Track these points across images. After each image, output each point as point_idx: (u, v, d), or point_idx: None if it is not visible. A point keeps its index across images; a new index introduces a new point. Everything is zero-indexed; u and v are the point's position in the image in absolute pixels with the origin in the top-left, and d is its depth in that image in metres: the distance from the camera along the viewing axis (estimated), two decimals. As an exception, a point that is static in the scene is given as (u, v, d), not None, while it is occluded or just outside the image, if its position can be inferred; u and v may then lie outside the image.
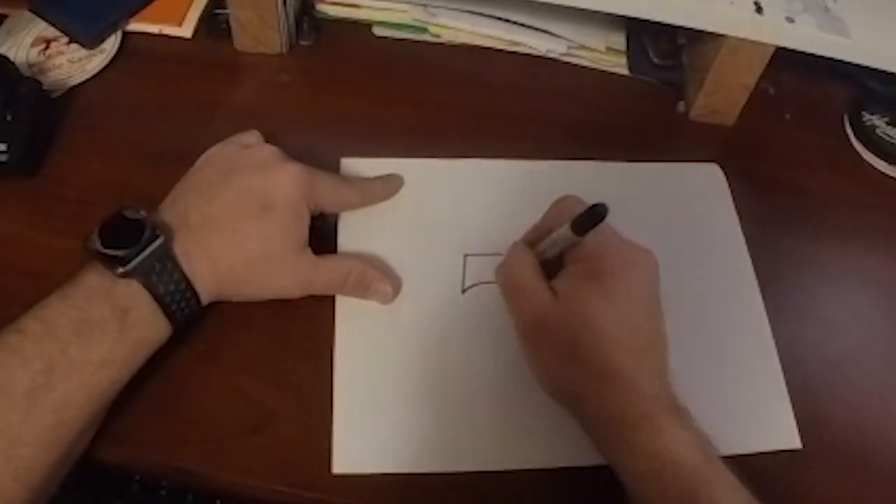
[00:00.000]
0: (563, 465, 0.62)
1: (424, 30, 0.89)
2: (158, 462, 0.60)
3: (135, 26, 0.85)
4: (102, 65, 0.81)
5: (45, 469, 0.52)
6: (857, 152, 0.88)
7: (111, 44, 0.83)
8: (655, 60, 0.88)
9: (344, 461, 0.60)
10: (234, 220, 0.61)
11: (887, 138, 0.88)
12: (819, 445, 0.65)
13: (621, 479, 0.55)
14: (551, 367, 0.59)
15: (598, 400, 0.55)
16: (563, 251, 0.61)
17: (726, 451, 0.60)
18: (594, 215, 0.56)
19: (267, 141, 0.69)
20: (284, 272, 0.63)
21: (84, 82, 0.80)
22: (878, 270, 0.79)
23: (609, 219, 0.72)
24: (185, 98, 0.81)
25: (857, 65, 0.78)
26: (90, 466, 0.59)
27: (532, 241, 0.64)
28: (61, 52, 0.82)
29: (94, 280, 0.56)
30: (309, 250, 0.64)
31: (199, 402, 0.62)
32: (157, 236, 0.57)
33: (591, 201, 0.73)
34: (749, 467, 0.56)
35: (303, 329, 0.66)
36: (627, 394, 0.55)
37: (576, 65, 0.90)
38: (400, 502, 0.59)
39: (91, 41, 0.82)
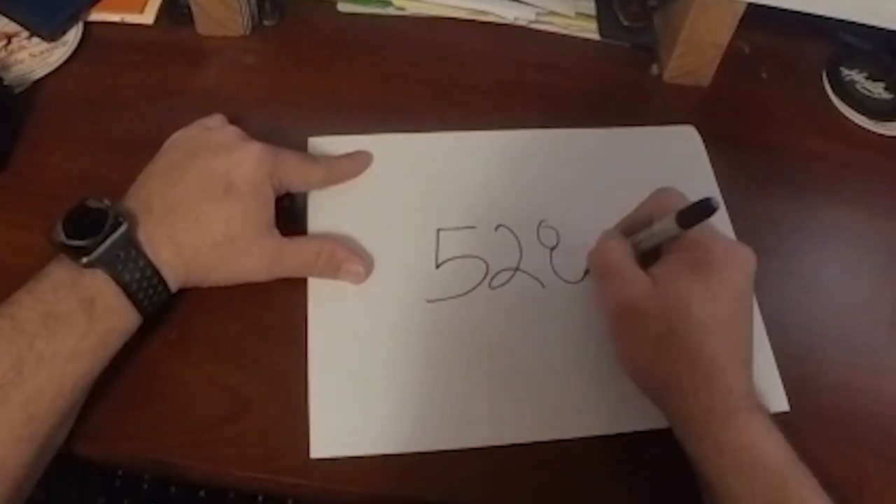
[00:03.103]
0: (548, 438, 0.61)
1: (388, 3, 0.87)
2: (135, 455, 0.60)
3: (96, 16, 0.84)
4: (65, 57, 0.80)
5: (18, 465, 0.51)
6: (837, 108, 0.87)
7: (73, 35, 0.82)
8: (626, 24, 0.87)
9: (321, 445, 0.59)
10: (196, 203, 0.60)
11: (867, 93, 0.88)
12: (807, 407, 0.64)
13: (702, 472, 0.54)
14: (642, 354, 0.57)
15: (686, 391, 0.54)
16: (660, 243, 0.60)
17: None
18: (704, 210, 0.55)
19: (234, 123, 0.68)
20: (251, 254, 0.62)
21: (47, 75, 0.79)
22: (860, 227, 0.78)
23: (588, 185, 0.72)
24: (150, 85, 0.80)
25: (832, 19, 0.77)
26: (72, 463, 0.58)
27: (625, 229, 0.63)
28: (23, 47, 0.81)
29: (60, 272, 0.56)
30: (276, 231, 0.63)
31: (173, 392, 0.61)
32: (120, 224, 0.56)
33: (568, 169, 0.73)
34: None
35: (275, 313, 0.65)
36: (717, 387, 0.54)
37: (545, 32, 0.89)
38: (380, 484, 0.59)
39: (52, 34, 0.81)
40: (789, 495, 0.50)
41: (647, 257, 0.60)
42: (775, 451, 0.52)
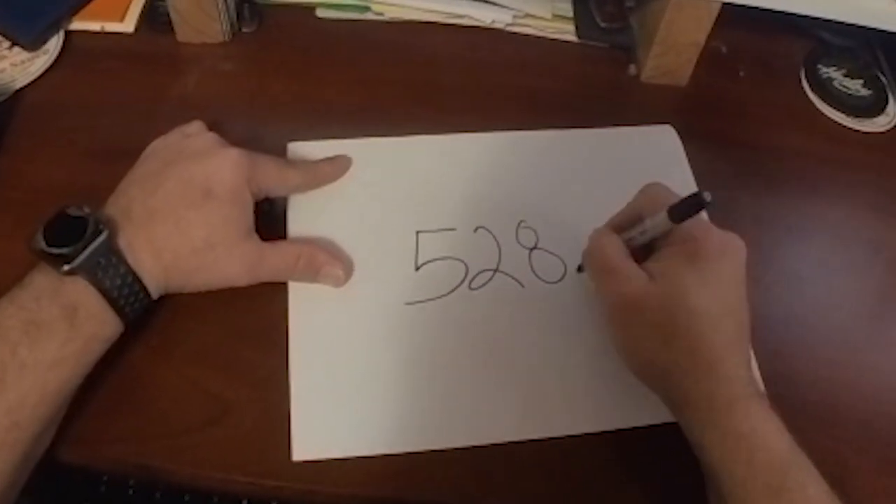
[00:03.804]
0: (530, 437, 0.61)
1: (367, 8, 0.88)
2: (118, 460, 0.60)
3: (76, 25, 0.84)
4: (46, 66, 0.80)
5: (2, 472, 0.52)
6: (815, 106, 0.88)
7: (54, 44, 0.82)
8: (603, 25, 0.88)
9: (303, 448, 0.59)
10: (175, 209, 0.60)
11: (845, 90, 0.89)
12: (787, 402, 0.63)
13: (705, 461, 0.55)
14: (643, 348, 0.58)
15: (689, 381, 0.55)
16: (653, 238, 0.61)
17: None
18: (696, 204, 0.56)
19: (213, 130, 0.68)
20: (231, 259, 0.62)
21: (29, 85, 0.79)
22: (840, 223, 0.79)
23: (566, 185, 0.73)
24: (131, 93, 0.80)
25: (810, 17, 0.77)
26: (57, 469, 0.58)
27: (617, 226, 0.63)
28: (4, 56, 0.81)
29: (42, 280, 0.56)
30: (255, 236, 0.64)
31: (155, 396, 0.61)
32: (101, 232, 0.57)
33: (546, 170, 0.73)
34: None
35: (256, 317, 0.65)
36: (719, 375, 0.54)
37: (523, 34, 0.90)
38: (363, 485, 0.59)
39: (33, 43, 0.81)
40: (790, 481, 0.51)
41: (639, 253, 0.61)
42: (776, 437, 0.53)
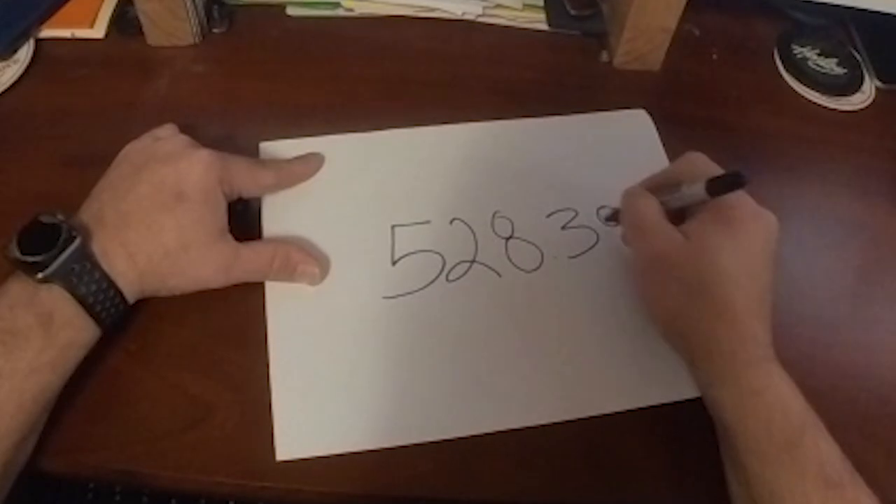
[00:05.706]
0: (513, 426, 0.61)
1: (337, 5, 0.88)
2: (101, 467, 0.59)
3: (47, 32, 0.84)
4: (17, 75, 0.80)
5: None
6: (790, 86, 0.88)
7: (24, 53, 0.82)
8: (573, 12, 0.88)
9: (287, 447, 0.59)
10: (148, 213, 0.60)
11: (819, 69, 0.89)
12: None
13: (720, 419, 0.57)
14: (671, 303, 0.60)
15: (711, 336, 0.57)
16: (686, 205, 0.63)
17: (676, 396, 0.62)
18: (734, 183, 0.58)
19: (186, 132, 0.68)
20: (205, 261, 0.62)
21: (0, 94, 0.79)
22: (817, 201, 0.79)
23: (540, 173, 0.72)
24: (103, 99, 0.80)
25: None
26: (43, 478, 0.58)
27: (652, 188, 0.65)
28: (-26, 67, 0.80)
29: (17, 288, 0.56)
30: (229, 237, 0.64)
31: (136, 402, 0.61)
32: (74, 238, 0.57)
33: (520, 158, 0.73)
34: (696, 407, 0.59)
35: (234, 318, 0.65)
36: (741, 334, 0.56)
37: (493, 25, 0.90)
38: (348, 482, 0.59)
39: (2, 52, 0.81)
40: (805, 441, 0.52)
41: (671, 216, 0.63)
42: (792, 397, 0.54)
